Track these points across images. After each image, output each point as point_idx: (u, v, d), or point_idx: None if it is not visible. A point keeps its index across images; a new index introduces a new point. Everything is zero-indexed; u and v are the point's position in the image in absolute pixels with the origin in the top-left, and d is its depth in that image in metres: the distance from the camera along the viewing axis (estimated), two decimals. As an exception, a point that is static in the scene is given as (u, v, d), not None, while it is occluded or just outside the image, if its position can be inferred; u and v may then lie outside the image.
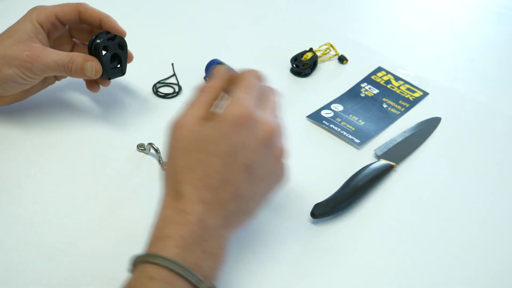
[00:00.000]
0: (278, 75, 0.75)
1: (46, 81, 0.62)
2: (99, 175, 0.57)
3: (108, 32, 0.59)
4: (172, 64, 0.74)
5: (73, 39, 0.63)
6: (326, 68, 0.78)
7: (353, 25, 0.91)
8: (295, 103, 0.71)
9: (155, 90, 0.70)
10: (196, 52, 0.78)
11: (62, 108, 0.64)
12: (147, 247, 0.41)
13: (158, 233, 0.41)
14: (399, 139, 0.66)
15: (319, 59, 0.78)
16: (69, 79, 0.66)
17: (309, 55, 0.76)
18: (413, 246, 0.54)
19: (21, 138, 0.60)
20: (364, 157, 0.64)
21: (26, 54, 0.55)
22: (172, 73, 0.73)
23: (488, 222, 0.58)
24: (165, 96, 0.69)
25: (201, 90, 0.46)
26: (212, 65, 0.71)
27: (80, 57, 0.57)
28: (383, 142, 0.65)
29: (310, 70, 0.76)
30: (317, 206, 0.55)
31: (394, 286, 0.50)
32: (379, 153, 0.64)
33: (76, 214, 0.52)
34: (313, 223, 0.55)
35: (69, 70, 0.57)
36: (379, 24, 0.93)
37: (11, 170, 0.56)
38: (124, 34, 0.61)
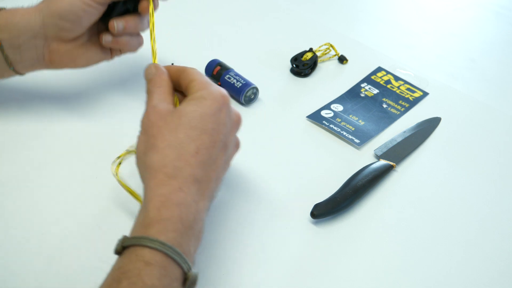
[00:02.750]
0: (278, 75, 0.76)
1: (104, 52, 0.61)
2: (99, 175, 0.57)
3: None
4: (172, 64, 0.73)
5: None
6: (326, 68, 0.78)
7: (353, 25, 0.91)
8: (295, 103, 0.71)
9: (155, 90, 0.70)
10: (196, 52, 0.78)
11: (62, 108, 0.64)
12: (141, 228, 0.39)
13: (155, 215, 0.39)
14: (399, 139, 0.66)
15: (319, 59, 0.78)
16: (76, 75, 0.66)
17: (309, 55, 0.76)
18: (413, 246, 0.54)
19: (20, 138, 0.60)
20: (364, 157, 0.64)
21: None
22: (172, 73, 0.73)
23: (488, 222, 0.58)
24: (165, 96, 0.69)
25: (154, 84, 0.48)
26: (212, 65, 0.71)
27: None
28: (383, 142, 0.66)
29: (310, 70, 0.76)
30: (317, 206, 0.55)
31: (394, 286, 0.50)
32: (379, 153, 0.64)
33: (76, 214, 0.52)
34: (313, 223, 0.55)
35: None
36: (379, 24, 0.93)
37: (11, 170, 0.56)
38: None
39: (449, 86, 0.77)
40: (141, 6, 0.58)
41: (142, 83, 0.70)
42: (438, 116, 0.71)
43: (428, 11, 0.99)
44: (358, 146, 0.65)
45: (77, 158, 0.58)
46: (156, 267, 0.37)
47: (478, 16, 1.01)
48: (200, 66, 0.72)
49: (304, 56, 0.76)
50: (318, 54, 0.78)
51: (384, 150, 0.64)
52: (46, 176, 0.56)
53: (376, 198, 0.59)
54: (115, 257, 0.40)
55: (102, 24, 0.59)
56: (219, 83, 0.70)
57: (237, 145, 0.50)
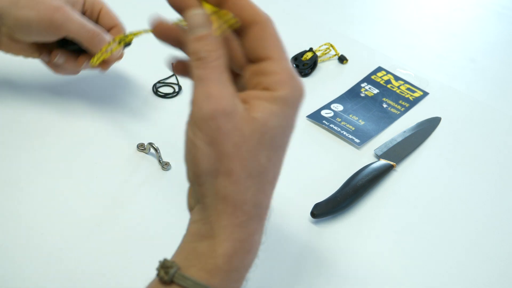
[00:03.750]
0: (278, 75, 0.75)
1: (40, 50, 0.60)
2: (99, 175, 0.57)
3: None
4: (172, 64, 0.73)
5: None
6: (326, 68, 0.78)
7: (353, 25, 0.91)
8: (295, 103, 0.71)
9: (155, 90, 0.70)
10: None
11: (62, 108, 0.64)
12: (203, 273, 0.33)
13: (225, 264, 0.33)
14: (399, 139, 0.66)
15: (319, 59, 0.78)
16: (67, 78, 0.66)
17: (309, 55, 0.76)
18: (413, 245, 0.54)
19: (20, 138, 0.60)
20: (364, 157, 0.64)
21: (53, 4, 0.53)
22: (172, 73, 0.73)
23: (488, 221, 0.58)
24: (165, 96, 0.69)
25: (206, 61, 0.34)
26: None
27: (107, 37, 0.56)
28: (383, 142, 0.65)
29: (310, 70, 0.76)
30: (317, 206, 0.55)
31: (394, 286, 0.50)
32: (379, 153, 0.64)
33: (76, 214, 0.52)
34: (313, 223, 0.55)
35: (87, 39, 0.55)
36: (379, 24, 0.93)
37: (11, 170, 0.56)
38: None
39: (449, 86, 0.77)
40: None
41: (143, 83, 0.70)
42: (438, 116, 0.71)
43: (428, 11, 0.99)
44: (358, 145, 0.65)
45: (77, 158, 0.58)
46: None
47: (478, 16, 1.01)
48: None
49: (304, 56, 0.76)
50: (318, 54, 0.78)
51: (384, 150, 0.64)
52: (46, 176, 0.56)
53: (376, 198, 0.59)
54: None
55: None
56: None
57: None
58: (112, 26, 0.59)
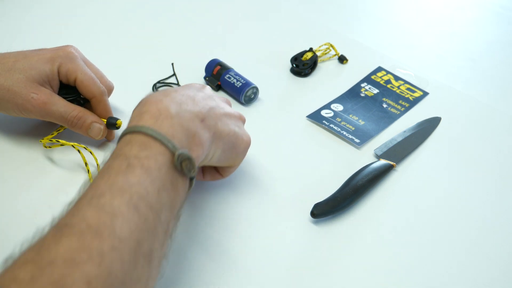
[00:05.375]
0: (278, 75, 0.76)
1: None
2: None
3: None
4: (172, 64, 0.74)
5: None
6: (326, 68, 0.78)
7: (353, 25, 0.91)
8: (295, 103, 0.71)
9: (155, 90, 0.70)
10: (196, 52, 0.78)
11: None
12: (132, 122, 0.43)
13: (149, 116, 0.43)
14: (399, 139, 0.66)
15: (319, 59, 0.78)
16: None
17: (309, 55, 0.76)
18: (413, 245, 0.54)
19: (21, 138, 0.60)
20: (364, 157, 0.64)
21: (32, 96, 0.53)
22: (172, 73, 0.73)
23: (488, 221, 0.58)
24: (165, 96, 0.69)
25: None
26: (212, 65, 0.71)
27: (90, 118, 0.56)
28: (383, 142, 0.65)
29: (310, 70, 0.76)
30: (317, 206, 0.55)
31: (394, 286, 0.50)
32: (379, 153, 0.64)
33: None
34: (313, 223, 0.55)
35: (72, 125, 0.56)
36: (379, 24, 0.93)
37: (11, 169, 0.56)
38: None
39: (449, 86, 0.77)
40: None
41: (144, 83, 0.70)
42: (438, 116, 0.71)
43: (428, 11, 0.99)
44: (358, 145, 0.65)
45: (77, 157, 0.58)
46: (135, 145, 0.40)
47: (478, 16, 1.01)
48: (200, 66, 0.72)
49: (304, 56, 0.76)
50: (318, 54, 0.78)
51: (384, 149, 0.64)
52: (46, 176, 0.56)
53: (376, 198, 0.59)
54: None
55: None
56: (219, 83, 0.70)
57: (227, 102, 0.54)
58: (90, 97, 0.57)
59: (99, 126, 0.57)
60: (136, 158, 0.40)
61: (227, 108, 0.51)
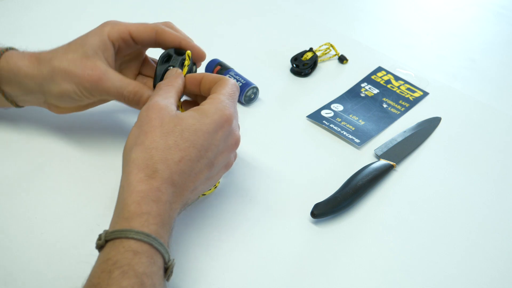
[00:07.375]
0: (278, 75, 0.76)
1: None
2: (99, 175, 0.57)
3: (179, 50, 0.56)
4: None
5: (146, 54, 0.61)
6: (326, 68, 0.78)
7: (353, 25, 0.91)
8: (295, 103, 0.71)
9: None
10: (196, 52, 0.78)
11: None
12: (123, 222, 0.41)
13: (136, 209, 0.41)
14: (399, 139, 0.66)
15: (319, 59, 0.78)
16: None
17: (309, 55, 0.76)
18: (413, 245, 0.54)
19: (21, 138, 0.60)
20: (364, 157, 0.64)
21: (87, 73, 0.52)
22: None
23: (488, 221, 0.58)
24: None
25: (170, 81, 0.51)
26: (212, 65, 0.71)
27: (146, 93, 0.53)
28: (383, 142, 0.66)
29: (310, 70, 0.76)
30: (317, 206, 0.55)
31: (394, 286, 0.50)
32: (379, 153, 0.64)
33: (76, 214, 0.52)
34: (313, 223, 0.55)
35: (129, 100, 0.54)
36: (379, 24, 0.93)
37: (12, 170, 0.56)
38: (203, 56, 0.57)
39: (449, 86, 0.77)
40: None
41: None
42: (438, 116, 0.71)
43: (428, 11, 0.99)
44: (358, 145, 0.65)
45: (77, 157, 0.58)
46: (144, 256, 0.39)
47: (478, 16, 1.01)
48: (200, 66, 0.72)
49: (304, 56, 0.76)
50: (318, 54, 0.78)
51: (384, 150, 0.64)
52: (46, 176, 0.56)
53: (376, 198, 0.59)
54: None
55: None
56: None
57: (227, 166, 0.51)
58: (178, 43, 0.56)
59: None
60: (148, 276, 0.38)
61: (221, 167, 0.50)
